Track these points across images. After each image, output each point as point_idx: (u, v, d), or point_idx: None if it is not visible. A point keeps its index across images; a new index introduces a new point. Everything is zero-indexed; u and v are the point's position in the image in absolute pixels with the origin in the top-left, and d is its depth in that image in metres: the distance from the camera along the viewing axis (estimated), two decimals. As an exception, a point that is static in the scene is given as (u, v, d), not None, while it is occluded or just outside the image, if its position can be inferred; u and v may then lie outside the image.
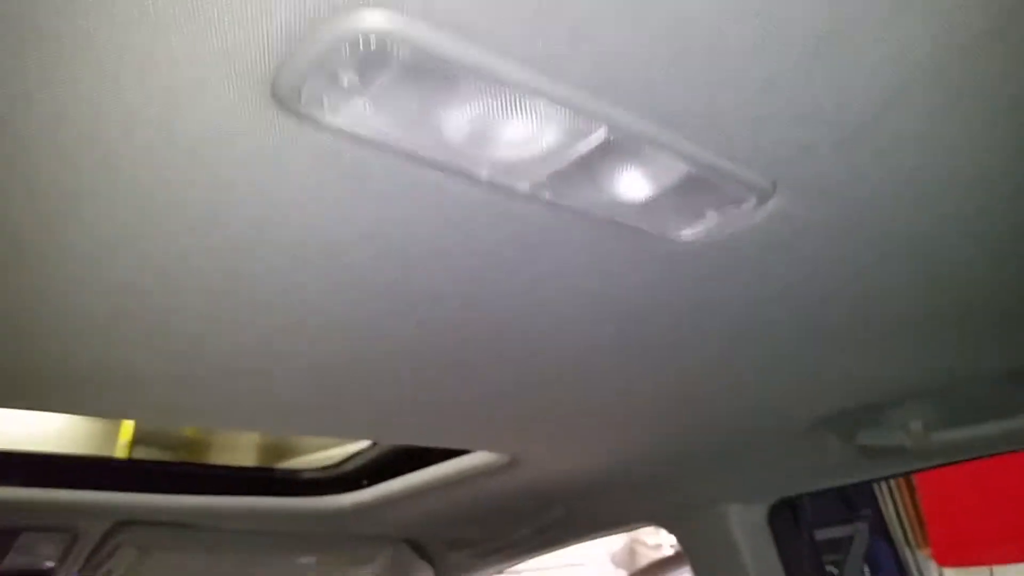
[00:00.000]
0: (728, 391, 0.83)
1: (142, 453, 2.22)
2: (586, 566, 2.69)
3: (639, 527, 1.87)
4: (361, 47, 0.34)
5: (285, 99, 0.36)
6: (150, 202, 0.41)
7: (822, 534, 2.32)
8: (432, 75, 0.36)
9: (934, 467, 1.00)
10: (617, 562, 2.44)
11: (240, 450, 2.25)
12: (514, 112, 0.39)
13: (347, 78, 0.35)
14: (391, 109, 0.38)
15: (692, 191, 0.48)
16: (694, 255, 0.54)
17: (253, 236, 0.44)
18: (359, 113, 0.38)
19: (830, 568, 2.32)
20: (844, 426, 0.96)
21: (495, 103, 0.39)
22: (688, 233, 0.52)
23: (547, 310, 0.56)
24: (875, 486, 2.56)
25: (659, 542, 2.47)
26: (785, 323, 0.67)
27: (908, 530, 2.69)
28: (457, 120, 0.40)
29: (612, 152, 0.43)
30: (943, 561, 2.67)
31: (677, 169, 0.45)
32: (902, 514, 2.69)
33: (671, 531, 1.26)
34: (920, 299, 0.64)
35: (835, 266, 0.58)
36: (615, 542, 2.76)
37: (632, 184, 0.47)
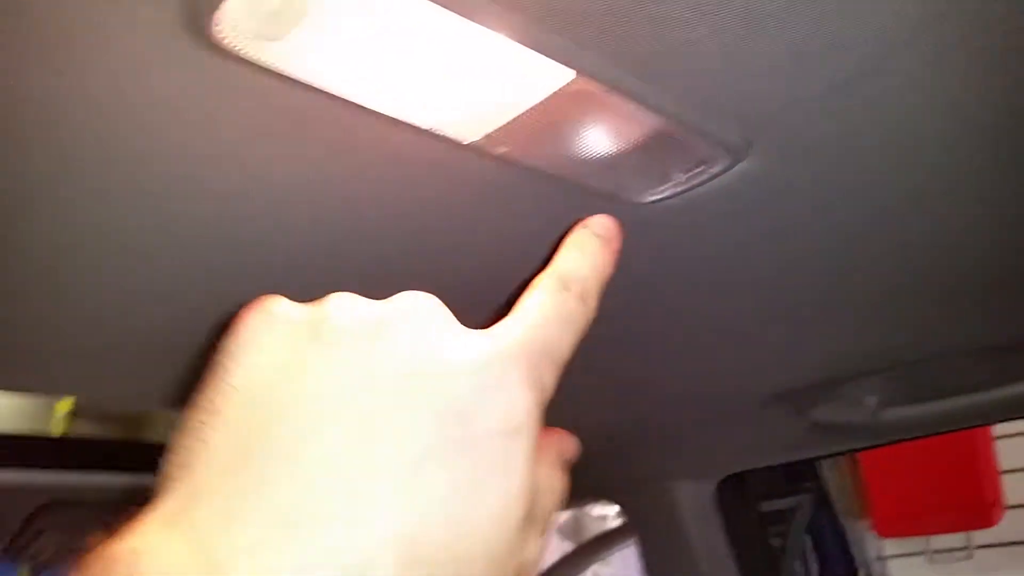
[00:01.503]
0: (679, 364, 0.80)
1: (83, 426, 2.13)
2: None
3: (585, 503, 1.85)
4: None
5: (197, 26, 0.31)
6: (70, 147, 0.35)
7: (766, 506, 2.34)
8: (373, 9, 0.32)
9: (888, 444, 0.99)
10: (564, 533, 2.43)
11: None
12: (466, 51, 0.35)
13: (274, 6, 0.30)
14: (327, 47, 0.33)
15: (659, 149, 0.43)
16: (656, 219, 0.50)
17: (187, 185, 0.39)
18: (290, 49, 0.32)
19: (774, 540, 2.35)
20: (798, 402, 0.94)
21: (442, 42, 0.34)
22: (652, 195, 0.48)
23: (494, 279, 0.52)
24: (818, 459, 2.59)
25: (604, 513, 2.46)
26: (744, 294, 0.64)
27: (850, 502, 2.74)
28: (401, 62, 0.35)
29: (573, 101, 0.38)
30: (883, 532, 2.73)
31: (644, 123, 0.41)
32: (844, 486, 2.74)
33: (618, 507, 1.24)
34: (889, 271, 0.61)
35: (806, 232, 0.54)
36: (561, 513, 2.75)
37: (594, 139, 0.42)
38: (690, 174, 0.46)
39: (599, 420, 0.98)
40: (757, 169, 0.46)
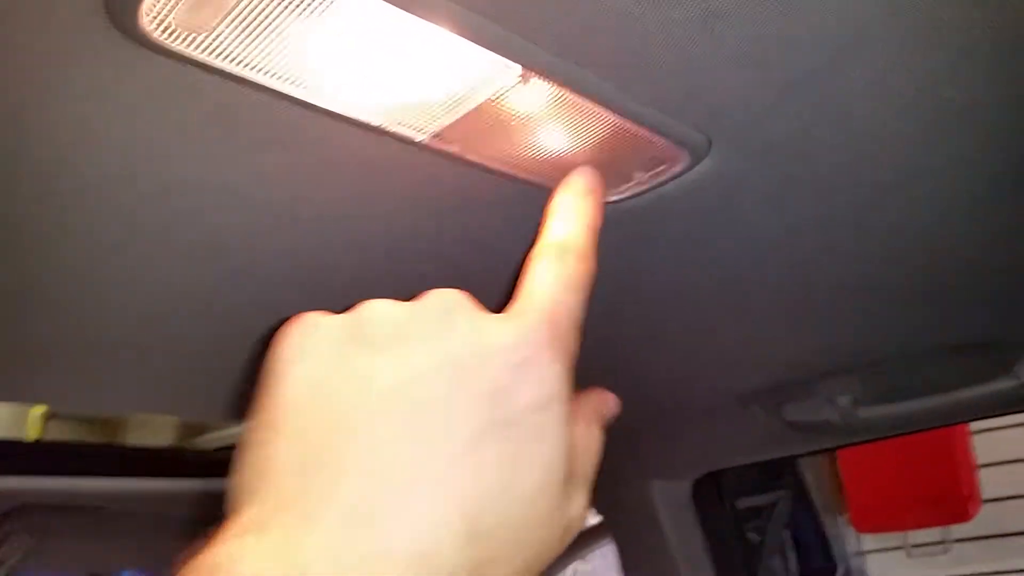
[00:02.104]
0: (651, 364, 0.79)
1: (57, 428, 2.10)
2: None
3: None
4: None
5: (122, 18, 0.29)
6: None
7: (745, 502, 2.35)
8: (309, 1, 0.30)
9: (862, 442, 0.99)
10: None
11: (163, 427, 2.14)
12: (410, 45, 0.33)
13: (197, -7, 0.29)
14: (258, 36, 0.31)
15: (617, 147, 0.42)
16: (619, 220, 0.49)
17: (110, 187, 0.37)
18: (217, 40, 0.31)
19: (752, 535, 2.35)
20: (771, 400, 0.93)
21: (387, 34, 0.32)
22: (614, 195, 0.46)
23: (459, 279, 0.50)
24: (797, 454, 2.60)
25: (584, 510, 2.45)
26: (714, 293, 0.63)
27: (828, 497, 2.75)
28: (342, 54, 0.33)
29: (526, 98, 0.37)
30: (861, 527, 2.74)
31: (600, 121, 0.40)
32: (822, 481, 2.75)
33: (594, 506, 1.23)
34: (856, 270, 0.60)
35: (772, 231, 0.53)
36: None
37: (549, 138, 0.41)
38: (651, 173, 0.45)
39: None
40: (719, 168, 0.44)
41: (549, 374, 0.35)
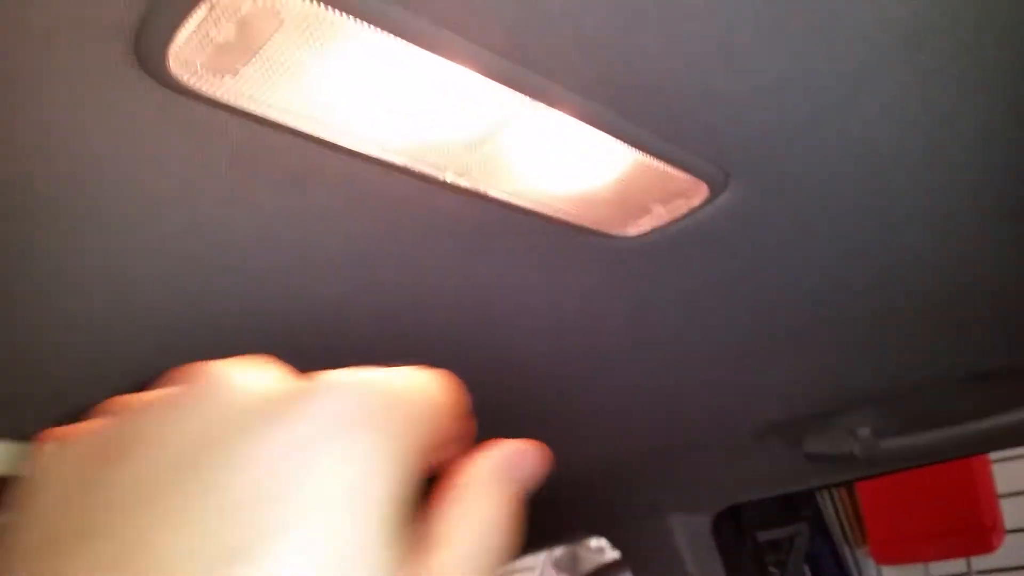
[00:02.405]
0: (670, 398, 0.78)
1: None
2: (531, 571, 2.65)
3: (580, 538, 1.83)
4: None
5: (151, 61, 0.30)
6: (27, 187, 0.34)
7: (764, 535, 2.31)
8: (336, 36, 0.30)
9: (882, 474, 0.97)
10: (560, 567, 2.40)
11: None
12: (432, 84, 0.34)
13: (224, 35, 0.29)
14: (283, 78, 0.32)
15: (636, 181, 0.42)
16: (638, 253, 0.49)
17: (137, 226, 0.38)
18: (243, 82, 0.31)
19: (772, 570, 2.32)
20: (791, 433, 0.92)
21: (409, 74, 0.33)
22: (633, 230, 0.46)
23: (477, 316, 0.50)
24: (815, 486, 2.57)
25: (601, 545, 2.43)
26: (734, 326, 0.63)
27: (848, 529, 2.71)
28: (366, 94, 0.34)
29: (546, 135, 0.37)
30: (881, 559, 2.70)
31: (620, 155, 0.40)
32: (841, 513, 2.71)
33: (612, 542, 1.22)
34: (876, 300, 0.60)
35: (790, 263, 0.53)
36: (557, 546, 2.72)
37: (569, 173, 0.41)
38: (669, 207, 0.45)
39: (593, 455, 0.96)
40: (737, 201, 0.45)
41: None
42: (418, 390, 0.27)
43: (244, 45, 0.30)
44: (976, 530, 2.49)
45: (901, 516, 2.54)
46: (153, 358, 0.47)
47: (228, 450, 0.23)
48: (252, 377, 0.27)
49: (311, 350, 0.44)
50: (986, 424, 0.86)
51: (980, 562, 2.62)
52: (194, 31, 0.28)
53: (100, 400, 0.52)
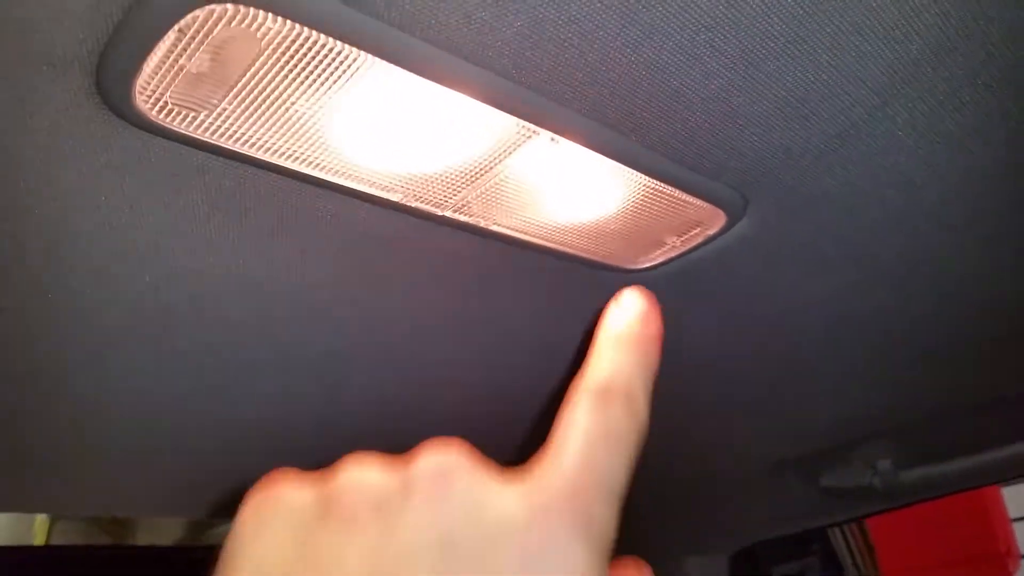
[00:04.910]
0: (683, 435, 0.75)
1: (64, 531, 2.05)
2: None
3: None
4: (214, 19, 0.24)
5: (115, 96, 0.27)
6: None
7: (779, 570, 2.28)
8: (322, 63, 0.27)
9: (901, 507, 0.94)
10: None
11: (172, 523, 2.08)
12: (427, 114, 0.31)
13: (197, 64, 0.26)
14: (265, 113, 0.29)
15: (649, 211, 0.39)
16: (651, 287, 0.46)
17: (111, 278, 0.34)
18: (221, 118, 0.28)
19: (785, 606, 2.27)
20: (808, 468, 0.89)
21: (404, 104, 0.30)
22: (646, 262, 0.43)
23: (484, 360, 0.47)
24: (824, 518, 2.53)
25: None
26: (749, 358, 0.60)
27: (858, 560, 2.67)
28: (357, 128, 0.31)
29: (551, 163, 0.34)
30: (895, 591, 2.65)
31: (630, 183, 0.37)
32: (852, 546, 2.67)
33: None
34: (898, 329, 0.57)
35: (808, 293, 0.50)
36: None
37: (578, 204, 0.38)
38: (685, 237, 0.42)
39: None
40: (756, 228, 0.42)
41: (571, 564, 0.28)
42: None
43: (220, 75, 0.27)
44: (992, 557, 2.45)
45: (913, 546, 2.51)
46: (130, 421, 0.43)
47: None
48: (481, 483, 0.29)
49: (302, 400, 0.41)
50: (1008, 451, 0.83)
51: (997, 589, 2.57)
52: (162, 61, 0.25)
53: (68, 455, 0.49)
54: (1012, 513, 2.54)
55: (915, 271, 0.49)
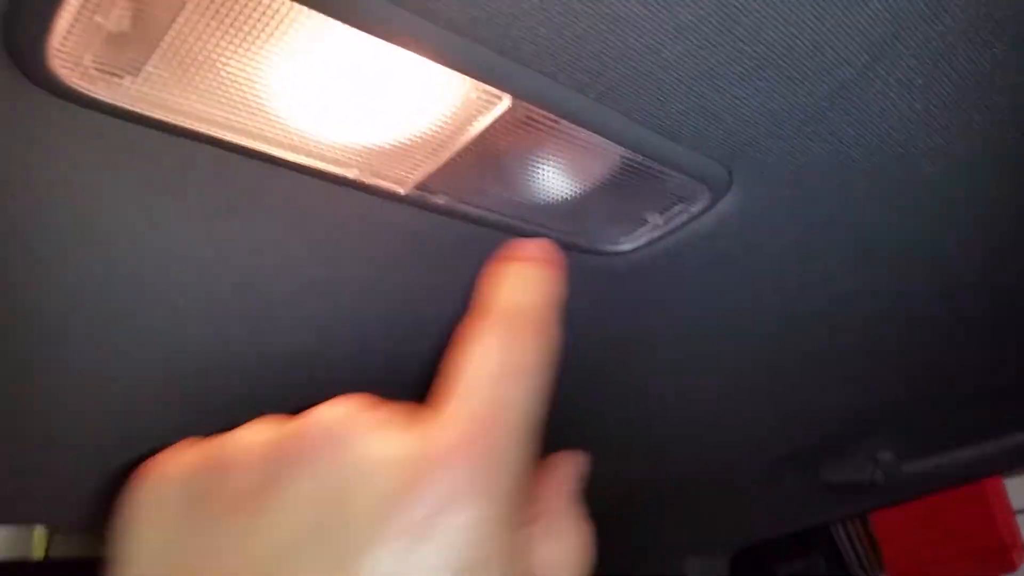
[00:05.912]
0: (675, 430, 0.73)
1: (63, 544, 2.03)
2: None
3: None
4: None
5: (26, 59, 0.24)
6: None
7: (782, 569, 2.26)
8: (258, 19, 0.25)
9: (903, 501, 0.92)
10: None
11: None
12: (383, 79, 0.28)
13: (116, 22, 0.24)
14: (198, 78, 0.26)
15: (627, 187, 0.37)
16: (634, 270, 0.43)
17: (34, 272, 0.32)
18: (147, 83, 0.26)
19: (790, 605, 2.25)
20: (808, 462, 0.88)
21: (356, 67, 0.28)
22: (627, 243, 0.41)
23: (451, 347, 0.45)
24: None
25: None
26: (742, 347, 0.57)
27: (863, 557, 2.66)
28: (304, 95, 0.28)
29: (520, 134, 0.32)
30: (900, 586, 2.63)
31: (608, 156, 0.35)
32: (856, 542, 2.66)
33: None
34: (897, 312, 0.54)
35: (802, 274, 0.47)
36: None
37: (550, 180, 0.36)
38: (667, 215, 0.39)
39: (606, 495, 0.90)
40: (741, 205, 0.39)
41: (465, 524, 0.25)
42: None
43: (143, 34, 0.24)
44: (996, 550, 2.44)
45: (917, 542, 2.50)
46: (87, 409, 0.41)
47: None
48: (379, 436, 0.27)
49: (267, 392, 0.39)
50: (1014, 440, 0.81)
51: (1003, 582, 2.55)
52: (76, 18, 0.23)
53: (36, 442, 0.46)
54: (1017, 504, 2.53)
55: (917, 248, 0.47)
